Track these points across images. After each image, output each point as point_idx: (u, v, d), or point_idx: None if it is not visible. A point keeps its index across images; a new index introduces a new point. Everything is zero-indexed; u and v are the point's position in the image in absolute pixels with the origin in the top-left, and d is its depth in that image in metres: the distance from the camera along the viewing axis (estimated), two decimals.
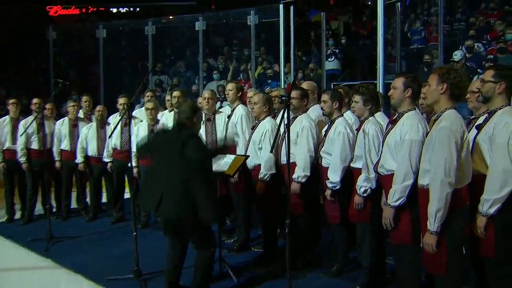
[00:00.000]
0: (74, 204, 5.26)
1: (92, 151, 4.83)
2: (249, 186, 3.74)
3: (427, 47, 7.26)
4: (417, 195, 2.26)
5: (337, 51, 7.96)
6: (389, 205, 2.40)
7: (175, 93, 4.72)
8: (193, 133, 2.75)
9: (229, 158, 3.30)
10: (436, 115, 2.22)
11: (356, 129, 3.03)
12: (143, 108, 5.06)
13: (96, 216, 5.04)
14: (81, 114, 5.20)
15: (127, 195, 4.93)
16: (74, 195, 5.22)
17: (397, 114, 2.51)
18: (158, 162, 2.74)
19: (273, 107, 3.86)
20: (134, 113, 5.18)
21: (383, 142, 2.56)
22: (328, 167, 3.10)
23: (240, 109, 3.95)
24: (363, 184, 2.80)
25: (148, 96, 5.02)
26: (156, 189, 2.65)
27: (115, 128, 3.83)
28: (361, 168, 2.84)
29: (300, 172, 3.20)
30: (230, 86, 4.08)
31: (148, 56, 8.74)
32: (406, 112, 2.45)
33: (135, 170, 4.41)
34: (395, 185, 2.36)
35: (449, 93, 2.15)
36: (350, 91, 3.50)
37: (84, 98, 5.28)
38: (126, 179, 4.82)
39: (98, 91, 8.82)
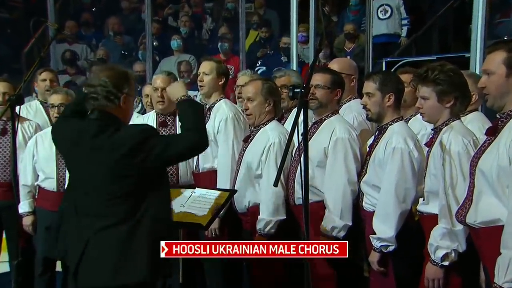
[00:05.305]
0: None
1: None
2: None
3: None
4: None
5: (394, 1, 8.14)
6: (499, 286, 2.39)
7: (44, 75, 4.87)
8: (139, 129, 2.80)
9: (199, 194, 3.41)
10: None
11: (426, 144, 3.10)
12: (36, 101, 5.13)
13: None
14: None
15: (2, 267, 4.96)
16: None
17: (499, 117, 2.57)
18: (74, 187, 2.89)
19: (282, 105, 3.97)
20: (23, 112, 5.21)
21: (471, 167, 2.63)
22: (373, 212, 3.20)
23: (222, 108, 4.06)
24: (441, 244, 2.85)
25: (43, 80, 5.05)
26: (77, 230, 2.75)
27: None
28: (436, 214, 2.91)
29: (336, 221, 3.30)
30: (205, 66, 4.17)
31: (46, 9, 8.84)
32: None
33: (26, 221, 4.41)
34: (509, 250, 2.39)
35: None
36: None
37: None
38: (3, 234, 4.81)
39: None
